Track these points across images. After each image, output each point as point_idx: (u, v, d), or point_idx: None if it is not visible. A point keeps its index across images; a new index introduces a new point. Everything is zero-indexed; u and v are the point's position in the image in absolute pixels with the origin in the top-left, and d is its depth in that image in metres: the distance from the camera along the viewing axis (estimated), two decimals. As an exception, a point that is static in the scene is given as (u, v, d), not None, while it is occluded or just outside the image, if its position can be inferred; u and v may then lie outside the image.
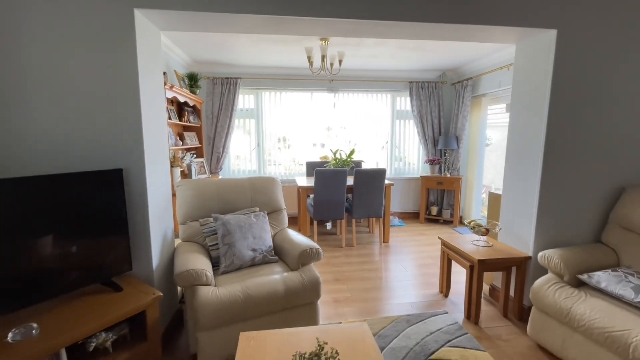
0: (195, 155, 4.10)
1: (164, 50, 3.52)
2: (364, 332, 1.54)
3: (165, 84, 2.84)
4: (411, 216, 5.40)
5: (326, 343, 1.04)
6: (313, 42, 3.51)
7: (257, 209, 2.55)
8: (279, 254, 2.40)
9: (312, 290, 2.05)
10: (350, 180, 4.01)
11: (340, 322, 2.36)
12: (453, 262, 2.80)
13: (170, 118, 3.45)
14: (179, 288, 2.46)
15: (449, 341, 2.12)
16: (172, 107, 3.69)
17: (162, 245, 2.12)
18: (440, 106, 5.05)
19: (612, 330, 1.62)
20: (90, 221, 1.67)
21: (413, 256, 3.69)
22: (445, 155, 5.06)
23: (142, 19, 1.86)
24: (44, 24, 1.68)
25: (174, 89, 3.22)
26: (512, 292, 2.45)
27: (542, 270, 2.30)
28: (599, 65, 2.19)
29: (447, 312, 2.47)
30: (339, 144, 5.20)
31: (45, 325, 1.43)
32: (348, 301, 2.69)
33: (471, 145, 4.95)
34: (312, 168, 4.70)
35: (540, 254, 2.14)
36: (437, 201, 5.25)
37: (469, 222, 2.59)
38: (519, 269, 2.34)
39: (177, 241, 2.43)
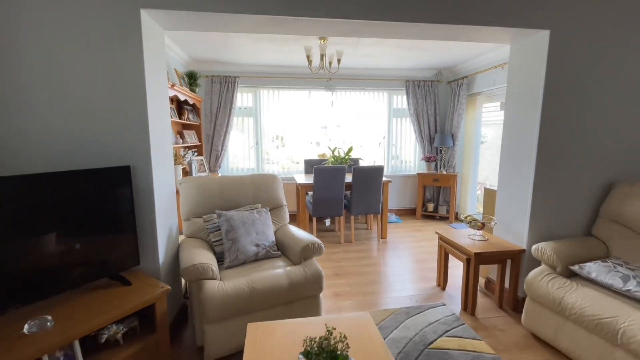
0: (196, 153, 4.14)
1: (163, 49, 3.54)
2: (367, 321, 1.60)
3: (166, 82, 2.87)
4: (408, 213, 5.48)
5: (334, 328, 1.10)
6: (312, 41, 3.56)
7: (259, 205, 2.61)
8: (281, 249, 2.46)
9: (314, 284, 2.11)
10: (348, 178, 4.07)
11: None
12: (450, 257, 2.88)
13: (171, 116, 3.47)
14: (183, 284, 2.51)
15: (446, 331, 2.20)
16: (172, 106, 3.72)
17: (167, 241, 2.17)
18: (436, 104, 5.13)
19: (601, 318, 1.71)
20: (100, 217, 1.71)
21: (410, 251, 3.77)
22: (441, 153, 5.14)
23: (147, 19, 1.90)
24: (52, 24, 1.71)
25: (175, 87, 3.25)
26: (507, 284, 2.54)
27: (536, 263, 2.38)
28: (590, 65, 2.27)
29: (444, 304, 2.54)
30: (334, 142, 5.26)
31: (59, 318, 1.47)
32: (348, 295, 2.76)
33: (466, 143, 5.04)
34: (311, 166, 4.76)
35: (534, 247, 2.22)
36: (434, 198, 5.34)
37: (466, 217, 2.67)
38: (514, 261, 2.42)
39: (181, 237, 2.47)
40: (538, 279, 2.09)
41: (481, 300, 2.65)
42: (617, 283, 1.80)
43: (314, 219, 4.09)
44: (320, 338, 1.04)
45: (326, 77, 4.92)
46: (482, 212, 3.18)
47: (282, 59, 4.37)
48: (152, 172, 1.93)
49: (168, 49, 3.70)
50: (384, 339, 2.12)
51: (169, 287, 1.77)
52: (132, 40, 1.81)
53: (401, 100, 5.32)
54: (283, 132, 5.15)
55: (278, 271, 2.09)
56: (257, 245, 2.30)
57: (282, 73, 4.86)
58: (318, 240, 2.28)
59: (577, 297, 1.86)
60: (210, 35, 3.39)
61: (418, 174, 5.16)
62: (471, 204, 5.04)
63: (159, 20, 1.98)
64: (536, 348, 2.07)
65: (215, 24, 2.10)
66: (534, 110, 2.32)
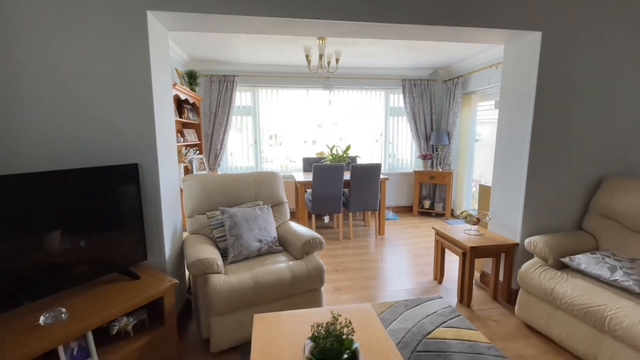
0: (197, 152, 4.18)
1: (163, 49, 3.58)
2: (369, 312, 1.68)
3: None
4: (405, 210, 5.57)
5: (340, 315, 1.17)
6: (311, 41, 3.62)
7: (261, 202, 2.67)
8: (282, 244, 2.52)
9: (316, 277, 2.18)
10: (346, 175, 4.14)
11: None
12: (446, 251, 2.96)
13: (171, 115, 3.51)
14: (186, 279, 2.56)
15: (443, 322, 2.28)
16: (173, 104, 3.76)
17: (172, 237, 2.22)
18: (432, 103, 5.22)
19: (590, 306, 1.80)
20: (109, 214, 1.77)
21: (407, 247, 3.86)
22: (437, 151, 5.23)
23: (153, 20, 1.94)
24: (62, 25, 1.76)
25: (176, 86, 3.29)
26: (501, 277, 2.63)
27: (529, 256, 2.47)
28: (580, 65, 2.36)
29: (441, 297, 2.63)
30: (331, 140, 5.32)
31: (73, 310, 1.53)
32: (348, 289, 2.83)
33: (462, 141, 5.14)
34: (309, 164, 4.82)
35: (526, 241, 2.31)
36: (430, 195, 5.43)
37: (461, 213, 2.75)
38: (508, 255, 2.51)
39: (184, 234, 2.53)
40: (530, 271, 2.18)
41: (476, 292, 2.74)
42: (605, 273, 1.89)
43: (313, 216, 4.16)
44: (327, 323, 1.11)
45: (324, 76, 4.98)
46: (477, 208, 3.27)
47: (281, 58, 4.42)
48: (158, 169, 1.98)
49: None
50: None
51: (177, 281, 1.83)
52: (139, 41, 1.85)
53: (398, 99, 5.40)
54: (280, 131, 5.20)
55: (281, 265, 2.16)
56: (260, 241, 2.36)
57: (281, 72, 4.91)
58: (319, 236, 2.35)
59: (568, 287, 1.95)
60: (210, 35, 3.43)
61: (414, 171, 5.24)
62: (466, 200, 5.14)
63: (164, 21, 2.03)
64: (529, 337, 2.16)
65: (218, 26, 2.15)
66: (526, 109, 2.41)
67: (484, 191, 3.09)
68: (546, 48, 2.29)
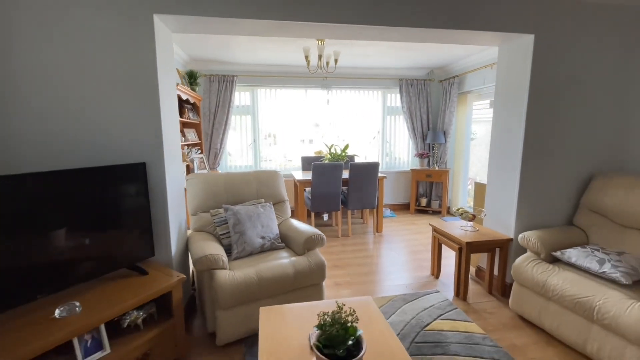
0: (199, 151, 4.23)
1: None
2: (370, 304, 1.75)
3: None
4: (402, 207, 5.66)
5: (344, 304, 1.24)
6: (310, 42, 3.68)
7: (263, 200, 2.73)
8: (284, 241, 2.59)
9: (318, 272, 2.25)
10: (345, 174, 4.22)
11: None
12: (443, 247, 3.05)
13: (172, 115, 3.56)
14: (190, 275, 2.62)
15: (441, 315, 2.37)
16: (177, 105, 3.80)
17: (178, 234, 2.28)
18: (429, 102, 5.30)
19: (580, 297, 1.89)
20: (119, 211, 1.82)
21: (405, 244, 3.94)
22: (433, 149, 5.33)
23: (159, 23, 2.00)
24: (72, 28, 1.81)
25: (177, 87, 3.34)
26: (496, 271, 2.72)
27: (522, 250, 2.56)
28: (571, 67, 2.45)
29: (438, 291, 2.72)
30: (328, 139, 5.38)
31: (86, 304, 1.58)
32: (348, 284, 2.91)
33: (457, 140, 5.23)
34: (308, 163, 4.89)
35: (520, 236, 2.40)
36: (426, 193, 5.53)
37: (457, 209, 2.84)
38: (502, 249, 2.60)
39: (188, 232, 2.58)
40: (524, 264, 2.27)
41: (472, 287, 2.83)
42: (594, 266, 1.99)
43: (312, 214, 4.23)
44: (332, 312, 1.18)
45: (322, 76, 5.04)
46: (472, 205, 3.36)
47: (280, 58, 4.48)
48: (164, 168, 2.04)
49: (168, 48, 3.77)
50: (383, 322, 2.27)
51: (184, 276, 1.89)
52: (146, 43, 1.91)
53: (395, 99, 5.48)
54: (277, 130, 5.25)
55: (284, 261, 2.23)
56: (263, 238, 2.43)
57: (279, 72, 4.97)
58: (320, 232, 2.42)
59: (559, 279, 2.04)
60: (210, 35, 3.48)
61: (411, 169, 5.33)
62: (462, 198, 5.24)
63: (169, 23, 2.09)
64: (522, 328, 2.25)
65: (221, 28, 2.21)
66: (520, 109, 2.50)
67: (479, 189, 3.18)
68: (538, 50, 2.38)
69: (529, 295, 2.24)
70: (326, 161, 4.35)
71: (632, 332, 1.63)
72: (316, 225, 4.70)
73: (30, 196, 1.50)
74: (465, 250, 2.52)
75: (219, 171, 4.87)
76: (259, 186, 2.78)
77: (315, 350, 1.13)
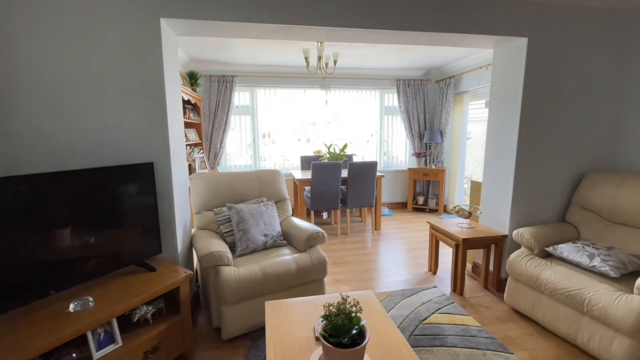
0: (201, 151, 4.28)
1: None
2: (371, 297, 1.83)
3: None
4: (399, 206, 5.75)
5: (348, 296, 1.31)
6: (309, 44, 3.74)
7: (265, 198, 2.80)
8: (286, 238, 2.66)
9: (320, 268, 2.32)
10: (344, 173, 4.29)
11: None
12: (440, 244, 3.13)
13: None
14: (194, 272, 2.68)
15: (438, 309, 2.45)
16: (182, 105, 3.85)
17: (183, 232, 2.34)
18: (426, 102, 5.39)
19: (571, 290, 1.98)
20: (129, 210, 1.88)
21: (403, 241, 4.03)
22: (430, 149, 5.41)
23: (165, 27, 2.05)
24: (80, 31, 1.86)
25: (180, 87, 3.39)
26: (491, 267, 2.81)
27: (517, 246, 2.65)
28: (563, 69, 2.53)
29: (436, 287, 2.80)
30: (325, 139, 5.45)
31: (98, 299, 1.64)
32: (348, 280, 2.99)
33: (454, 139, 5.33)
34: (307, 162, 4.96)
35: (514, 232, 2.48)
36: (423, 191, 5.62)
37: (454, 207, 2.92)
38: (497, 246, 2.69)
39: (192, 230, 2.64)
40: (518, 259, 2.36)
41: (468, 282, 2.91)
42: (584, 260, 2.07)
43: (312, 213, 4.30)
44: (337, 303, 1.25)
45: (321, 76, 5.11)
46: (469, 203, 3.44)
47: (279, 58, 4.53)
48: (170, 168, 2.10)
49: (169, 50, 3.82)
50: (383, 316, 2.35)
51: (192, 272, 1.96)
52: (154, 47, 1.97)
53: (392, 99, 5.56)
54: (275, 130, 5.30)
55: (286, 258, 2.29)
56: (266, 235, 2.50)
57: (279, 72, 5.03)
58: (321, 230, 2.49)
59: (551, 273, 2.13)
60: (210, 37, 3.53)
61: (409, 168, 5.42)
62: (459, 196, 5.34)
63: (174, 27, 2.14)
64: (516, 320, 2.34)
65: (224, 31, 2.27)
66: (514, 109, 2.58)
67: (475, 187, 3.27)
68: (532, 53, 2.46)
69: (523, 290, 2.32)
70: (325, 160, 4.42)
71: (620, 323, 1.72)
72: (315, 224, 4.77)
73: (46, 195, 1.55)
74: (462, 246, 2.60)
75: (219, 170, 4.93)
76: (260, 185, 2.84)
77: (322, 339, 1.20)
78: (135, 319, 1.74)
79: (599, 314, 1.83)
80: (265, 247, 2.50)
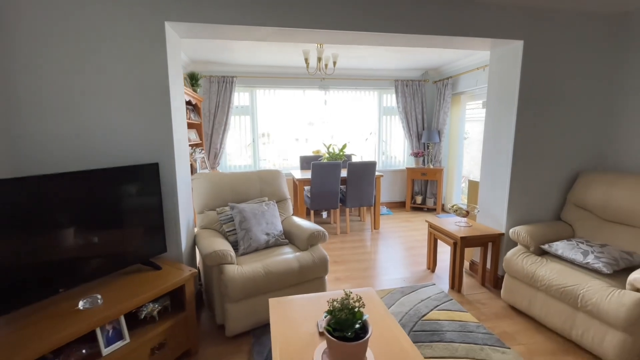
0: (203, 151, 4.32)
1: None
2: (372, 294, 1.88)
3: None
4: (398, 205, 5.81)
5: (351, 292, 1.36)
6: (309, 45, 3.79)
7: (266, 198, 2.84)
8: (287, 237, 2.70)
9: (321, 266, 2.37)
10: (343, 173, 4.34)
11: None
12: (438, 242, 3.19)
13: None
14: (197, 270, 2.72)
15: (437, 306, 2.51)
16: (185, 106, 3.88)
17: (187, 231, 2.38)
18: (424, 103, 5.45)
19: (565, 286, 2.04)
20: (135, 209, 1.92)
21: (402, 240, 4.08)
22: (428, 148, 5.48)
23: (169, 30, 2.09)
24: (87, 35, 1.90)
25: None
26: (488, 265, 2.87)
27: (513, 244, 2.71)
28: (558, 71, 2.59)
29: (434, 284, 2.85)
30: (326, 139, 5.49)
31: (107, 296, 1.68)
32: (348, 279, 3.04)
33: (451, 139, 5.39)
34: (306, 162, 5.01)
35: (511, 230, 2.54)
36: (422, 191, 5.68)
37: (452, 206, 2.98)
38: (494, 244, 2.75)
39: (195, 229, 2.68)
40: (514, 257, 2.42)
41: (466, 279, 2.97)
42: (578, 257, 2.14)
43: (312, 212, 4.35)
44: (341, 298, 1.30)
45: (320, 77, 5.15)
46: (466, 202, 3.50)
47: (278, 59, 4.57)
48: (175, 168, 2.14)
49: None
50: (383, 313, 2.40)
51: (196, 270, 2.00)
52: (158, 50, 2.01)
53: (390, 99, 5.62)
54: (273, 130, 5.34)
55: (289, 256, 2.34)
56: (268, 234, 2.54)
57: (278, 73, 5.07)
58: (322, 229, 2.53)
59: (547, 270, 2.19)
60: (212, 39, 3.56)
61: (407, 168, 5.48)
62: (456, 195, 5.40)
63: (178, 30, 2.18)
64: (513, 317, 2.40)
65: (227, 34, 2.31)
66: (510, 110, 2.64)
67: (473, 186, 3.33)
68: (527, 55, 2.52)
69: (519, 286, 2.38)
70: (325, 160, 4.47)
71: (612, 317, 1.78)
72: (315, 223, 4.81)
73: (56, 195, 1.59)
74: (460, 244, 2.66)
75: (219, 170, 4.96)
76: (262, 185, 2.89)
77: (326, 333, 1.25)
78: (142, 316, 1.78)
79: (592, 309, 1.89)
80: (268, 246, 2.55)
